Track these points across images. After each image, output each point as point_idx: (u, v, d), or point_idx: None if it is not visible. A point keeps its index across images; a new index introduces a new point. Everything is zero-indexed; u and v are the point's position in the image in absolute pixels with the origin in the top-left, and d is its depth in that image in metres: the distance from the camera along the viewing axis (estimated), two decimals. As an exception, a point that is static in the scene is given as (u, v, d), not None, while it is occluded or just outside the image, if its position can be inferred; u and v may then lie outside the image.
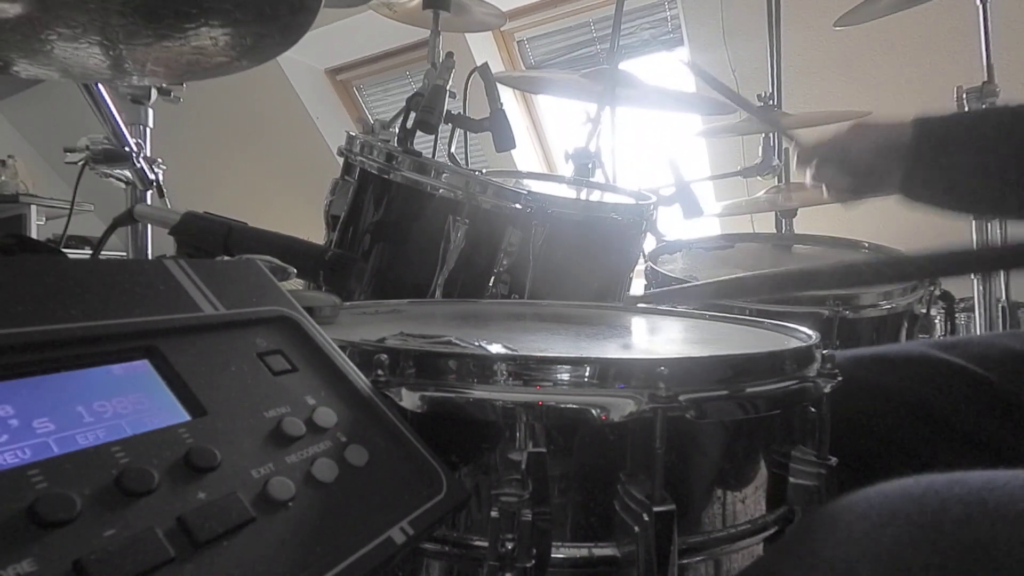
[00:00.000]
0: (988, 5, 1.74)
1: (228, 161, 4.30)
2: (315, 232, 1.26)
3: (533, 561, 0.43)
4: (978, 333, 1.71)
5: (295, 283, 0.80)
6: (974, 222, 1.73)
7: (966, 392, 0.70)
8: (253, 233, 0.98)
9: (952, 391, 0.71)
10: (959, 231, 1.82)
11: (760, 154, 2.00)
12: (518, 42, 3.50)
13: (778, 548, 0.49)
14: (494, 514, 0.43)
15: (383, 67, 3.81)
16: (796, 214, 1.99)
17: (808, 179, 0.94)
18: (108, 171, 1.40)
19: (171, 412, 0.35)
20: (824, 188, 0.93)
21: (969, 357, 0.72)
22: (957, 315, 1.77)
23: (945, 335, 1.48)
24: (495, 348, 0.51)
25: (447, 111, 1.33)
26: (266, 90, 3.69)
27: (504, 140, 1.39)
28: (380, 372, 0.47)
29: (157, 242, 1.45)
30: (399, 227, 1.16)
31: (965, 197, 0.82)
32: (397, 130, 1.30)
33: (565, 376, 0.47)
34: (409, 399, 0.46)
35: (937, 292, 1.29)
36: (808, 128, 2.01)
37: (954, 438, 0.69)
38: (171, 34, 0.67)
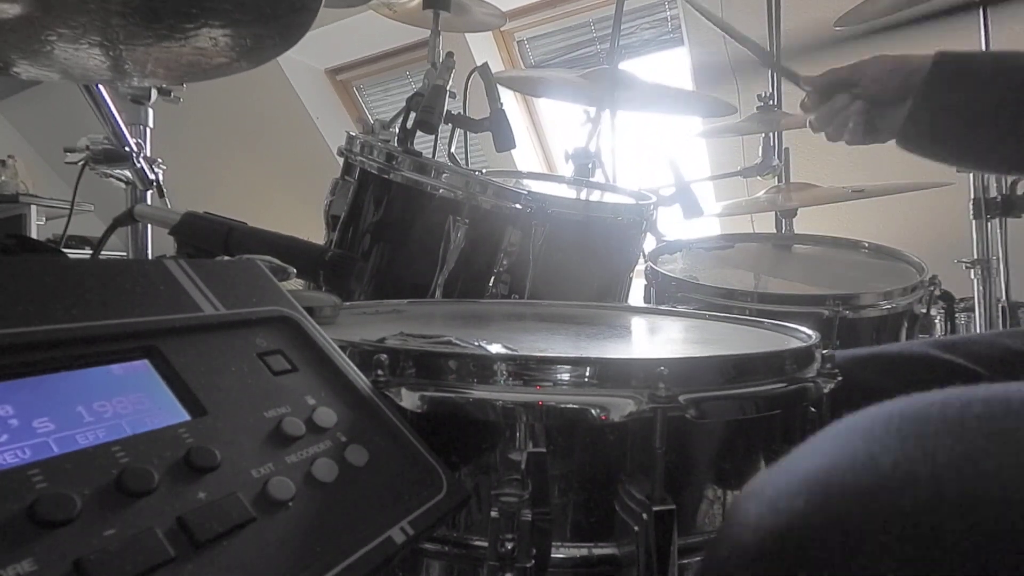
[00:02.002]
0: (988, 5, 1.74)
1: (228, 161, 4.30)
2: (315, 232, 1.26)
3: (533, 561, 0.43)
4: (978, 333, 1.71)
5: (295, 283, 0.80)
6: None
7: None
8: (253, 233, 0.98)
9: None
10: (957, 230, 1.82)
11: (760, 154, 2.00)
12: (518, 42, 3.49)
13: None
14: (494, 514, 0.43)
15: (383, 67, 3.81)
16: (796, 214, 1.99)
17: (814, 120, 0.90)
18: (108, 171, 1.40)
19: (171, 412, 0.35)
20: (828, 127, 0.89)
21: (970, 357, 0.72)
22: (957, 315, 1.77)
23: (945, 335, 1.48)
24: (495, 348, 0.51)
25: (447, 111, 1.33)
26: (266, 90, 3.69)
27: (504, 140, 1.39)
28: (380, 372, 0.47)
29: (157, 242, 1.45)
30: (399, 227, 1.16)
31: (966, 140, 0.78)
32: (397, 130, 1.30)
33: (565, 376, 0.47)
34: (409, 399, 0.46)
35: (937, 292, 1.29)
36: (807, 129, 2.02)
37: None
38: (171, 35, 0.67)
